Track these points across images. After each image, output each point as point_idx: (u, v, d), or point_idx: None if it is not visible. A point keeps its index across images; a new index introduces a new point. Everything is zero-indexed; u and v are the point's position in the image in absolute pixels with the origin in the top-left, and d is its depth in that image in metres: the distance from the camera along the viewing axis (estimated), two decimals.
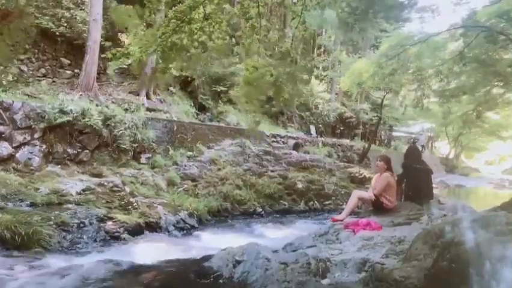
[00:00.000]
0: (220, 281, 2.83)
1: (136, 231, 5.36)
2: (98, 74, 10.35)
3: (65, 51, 10.52)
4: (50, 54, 10.22)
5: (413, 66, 11.24)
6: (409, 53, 10.29)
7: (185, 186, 7.93)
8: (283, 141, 12.60)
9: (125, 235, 5.18)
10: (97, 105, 8.25)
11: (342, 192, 9.83)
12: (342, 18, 6.16)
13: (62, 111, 7.09)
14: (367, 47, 19.90)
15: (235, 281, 2.80)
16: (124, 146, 7.87)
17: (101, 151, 7.71)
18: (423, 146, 27.61)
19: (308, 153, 12.08)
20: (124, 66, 11.13)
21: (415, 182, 5.38)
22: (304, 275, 2.83)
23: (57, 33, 9.93)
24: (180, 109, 12.43)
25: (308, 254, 3.16)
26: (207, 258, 3.22)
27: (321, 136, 17.41)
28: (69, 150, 7.21)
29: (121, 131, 7.85)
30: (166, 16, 4.58)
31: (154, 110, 10.99)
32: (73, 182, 6.09)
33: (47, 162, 6.87)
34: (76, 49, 10.38)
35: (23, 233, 4.15)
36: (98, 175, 6.93)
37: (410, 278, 2.30)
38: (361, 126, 21.19)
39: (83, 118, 7.30)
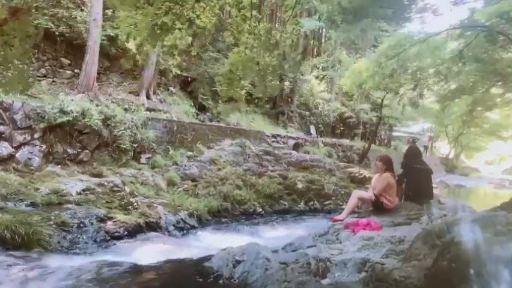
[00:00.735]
0: (220, 281, 2.83)
1: (136, 231, 5.36)
2: (98, 74, 10.36)
3: (65, 51, 10.52)
4: (50, 54, 10.22)
5: (412, 66, 11.25)
6: (409, 53, 10.29)
7: (185, 186, 7.93)
8: (283, 141, 12.61)
9: (125, 235, 5.18)
10: (97, 105, 8.26)
11: (342, 192, 9.83)
12: (331, 16, 6.18)
13: (62, 111, 7.09)
14: (367, 47, 19.91)
15: (235, 281, 2.80)
16: (124, 146, 7.87)
17: (101, 151, 7.71)
18: (425, 147, 27.63)
19: (308, 153, 12.09)
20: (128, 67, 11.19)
21: (415, 182, 5.38)
22: (304, 275, 2.83)
23: (57, 33, 9.93)
24: (180, 109, 12.44)
25: (308, 254, 3.16)
26: (207, 258, 3.22)
27: (321, 136, 17.43)
28: (69, 150, 7.21)
29: (121, 131, 7.85)
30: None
31: (154, 110, 11.00)
32: (73, 182, 6.10)
33: (47, 162, 6.87)
34: (76, 49, 10.38)
35: (23, 233, 4.14)
36: (98, 175, 6.93)
37: (410, 278, 2.30)
38: (361, 126, 21.20)
39: (83, 118, 7.30)
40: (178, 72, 12.93)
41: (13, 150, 6.57)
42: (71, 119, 7.11)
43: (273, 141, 12.23)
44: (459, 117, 20.65)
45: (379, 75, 11.12)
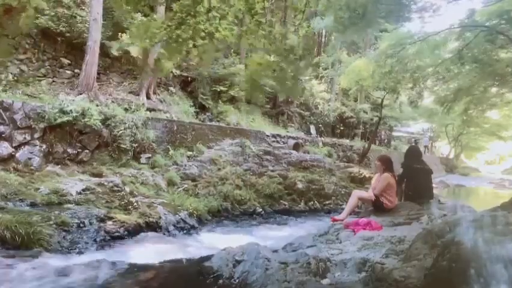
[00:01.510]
0: (220, 280, 2.83)
1: (136, 231, 5.36)
2: (98, 73, 10.35)
3: (65, 51, 10.52)
4: (50, 54, 10.22)
5: (411, 65, 11.25)
6: (408, 52, 10.29)
7: (185, 186, 7.93)
8: (283, 141, 12.60)
9: (125, 235, 5.18)
10: (97, 105, 8.26)
11: (342, 192, 9.83)
12: (338, 19, 6.15)
13: (62, 111, 7.09)
14: (367, 46, 19.91)
15: (235, 281, 2.80)
16: (124, 146, 7.87)
17: (101, 151, 7.71)
18: (426, 147, 27.65)
19: (308, 153, 12.08)
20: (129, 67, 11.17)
21: (415, 182, 5.38)
22: (304, 274, 2.83)
23: (57, 33, 9.93)
24: (180, 109, 12.43)
25: (308, 254, 3.16)
26: (207, 258, 3.22)
27: (321, 136, 17.43)
28: (69, 150, 7.21)
29: (121, 131, 7.85)
30: (169, 9, 4.58)
31: (154, 110, 11.00)
32: (73, 182, 6.10)
33: (47, 162, 6.87)
34: (76, 49, 10.38)
35: (23, 232, 4.14)
36: (98, 175, 6.93)
37: (410, 278, 2.30)
38: (361, 126, 21.20)
39: (83, 118, 7.30)
40: (178, 72, 12.94)
41: (13, 150, 6.57)
42: (71, 118, 7.11)
43: (273, 141, 12.23)
44: (459, 116, 20.65)
45: (378, 73, 11.12)
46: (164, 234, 5.69)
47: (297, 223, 7.75)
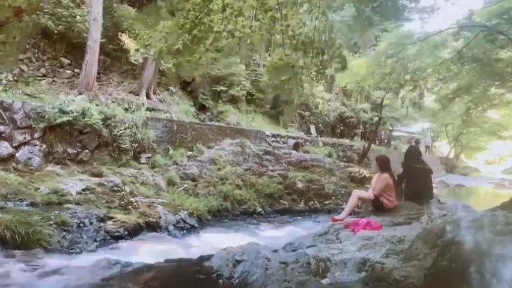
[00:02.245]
0: (220, 280, 2.83)
1: (136, 231, 5.36)
2: (98, 73, 10.36)
3: (65, 51, 10.52)
4: (50, 54, 10.22)
5: (411, 65, 11.25)
6: (408, 52, 10.30)
7: (185, 186, 7.93)
8: (283, 141, 12.61)
9: (125, 235, 5.18)
10: (97, 105, 8.26)
11: (342, 191, 9.83)
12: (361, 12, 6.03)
13: (62, 111, 7.09)
14: (367, 46, 19.90)
15: (235, 281, 2.80)
16: (124, 146, 7.87)
17: (101, 151, 7.71)
18: (427, 147, 27.64)
19: (308, 153, 12.09)
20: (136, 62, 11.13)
21: (415, 181, 5.38)
22: (304, 274, 2.82)
23: (56, 32, 9.93)
24: (180, 109, 12.43)
25: (308, 253, 3.16)
26: (207, 258, 3.22)
27: (321, 136, 17.43)
28: (69, 150, 7.22)
29: (121, 131, 7.85)
30: (179, 9, 4.51)
31: (154, 110, 11.00)
32: (73, 182, 6.09)
33: (47, 162, 6.88)
34: (76, 49, 10.38)
35: (23, 232, 4.14)
36: (98, 175, 6.93)
37: (410, 278, 2.30)
38: (361, 126, 21.20)
39: (83, 118, 7.30)
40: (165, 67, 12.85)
41: (13, 150, 6.58)
42: (71, 118, 7.11)
43: (273, 141, 12.23)
44: (459, 117, 20.66)
45: (378, 73, 11.12)
46: (164, 234, 5.69)
47: (297, 223, 7.75)
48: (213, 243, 5.34)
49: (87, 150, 7.49)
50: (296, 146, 12.32)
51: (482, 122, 24.27)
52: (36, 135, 6.88)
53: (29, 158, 6.67)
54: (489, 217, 2.49)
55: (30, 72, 9.60)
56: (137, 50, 4.82)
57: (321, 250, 3.46)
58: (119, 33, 11.18)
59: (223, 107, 14.26)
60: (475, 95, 13.80)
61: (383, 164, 5.11)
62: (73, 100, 7.85)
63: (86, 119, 7.30)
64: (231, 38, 4.73)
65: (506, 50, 10.15)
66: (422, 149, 23.88)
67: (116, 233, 5.10)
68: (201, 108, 13.84)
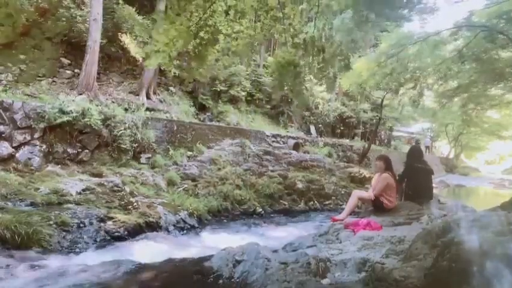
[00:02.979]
0: (220, 280, 2.83)
1: (136, 231, 5.35)
2: (98, 73, 10.36)
3: (65, 50, 10.52)
4: (50, 54, 10.22)
5: (412, 65, 11.25)
6: (409, 52, 10.29)
7: (186, 186, 7.93)
8: (283, 141, 12.61)
9: (125, 235, 5.18)
10: (97, 105, 8.26)
11: (342, 192, 9.83)
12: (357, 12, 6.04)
13: (62, 111, 7.09)
14: (367, 46, 19.90)
15: (235, 281, 2.80)
16: (124, 146, 7.87)
17: (101, 151, 7.71)
18: (427, 147, 27.64)
19: (308, 153, 12.09)
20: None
21: (415, 181, 5.38)
22: (304, 274, 2.82)
23: (57, 33, 9.94)
24: (180, 109, 12.44)
25: (308, 253, 3.16)
26: (207, 258, 3.22)
27: (321, 136, 17.42)
28: (69, 150, 7.22)
29: (121, 131, 7.85)
30: (184, 10, 4.48)
31: (154, 110, 11.00)
32: (73, 182, 6.09)
33: (47, 162, 6.88)
34: (76, 49, 10.38)
35: (23, 232, 4.14)
36: (98, 175, 6.93)
37: (410, 278, 2.30)
38: (361, 126, 21.20)
39: (83, 118, 7.30)
40: (178, 72, 12.93)
41: (13, 150, 6.58)
42: (71, 118, 7.11)
43: (273, 141, 12.23)
44: (459, 116, 20.65)
45: (379, 74, 11.12)
46: (164, 234, 5.69)
47: (297, 223, 7.75)
48: (213, 243, 5.33)
49: (87, 150, 7.49)
50: (296, 146, 12.33)
51: (482, 122, 24.26)
52: (36, 135, 6.88)
53: (29, 158, 6.67)
54: (489, 217, 2.49)
55: (30, 72, 9.60)
56: (148, 56, 4.75)
57: (321, 250, 3.46)
58: (120, 33, 11.20)
59: (223, 107, 14.26)
60: (475, 94, 13.79)
61: (387, 163, 5.11)
62: (73, 100, 7.85)
63: (86, 119, 7.30)
64: (237, 41, 4.72)
65: (507, 50, 10.14)
66: (422, 149, 23.84)
67: (116, 233, 5.10)
68: (201, 108, 13.84)
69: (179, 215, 6.27)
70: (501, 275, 1.79)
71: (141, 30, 10.35)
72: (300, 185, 9.29)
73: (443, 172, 25.68)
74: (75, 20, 10.14)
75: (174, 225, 6.01)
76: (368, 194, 5.08)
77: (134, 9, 11.54)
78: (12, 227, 4.14)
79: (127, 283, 3.01)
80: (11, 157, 6.50)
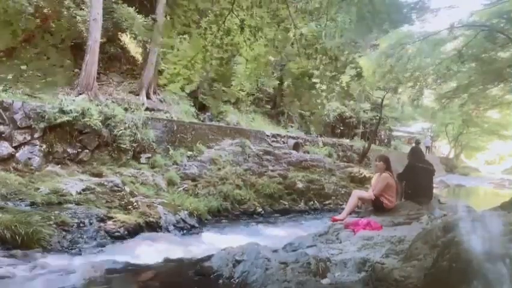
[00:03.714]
0: (220, 280, 2.83)
1: (136, 231, 5.36)
2: (98, 73, 10.35)
3: (65, 50, 10.51)
4: (50, 54, 10.20)
5: (411, 65, 11.25)
6: (409, 52, 10.30)
7: (185, 186, 7.93)
8: (283, 141, 12.61)
9: (125, 235, 5.18)
10: (97, 105, 8.25)
11: (342, 192, 9.83)
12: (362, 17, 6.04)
13: (62, 111, 7.09)
14: (367, 46, 19.90)
15: (235, 281, 2.80)
16: (124, 146, 7.87)
17: (101, 151, 7.71)
18: (428, 147, 27.64)
19: (308, 153, 12.08)
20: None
21: (415, 181, 5.38)
22: (304, 274, 2.82)
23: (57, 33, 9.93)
24: (180, 109, 12.43)
25: (308, 253, 3.15)
26: (207, 258, 3.22)
27: (321, 136, 17.42)
28: (69, 150, 7.21)
29: (121, 131, 7.85)
30: (199, 27, 4.40)
31: (154, 110, 11.00)
32: (73, 182, 6.09)
33: (47, 162, 6.87)
34: (76, 49, 10.38)
35: (23, 232, 4.14)
36: (98, 175, 6.93)
37: (410, 278, 2.30)
38: (361, 126, 21.20)
39: (83, 118, 7.29)
40: (206, 100, 12.92)
41: (13, 150, 6.58)
42: (71, 118, 7.11)
43: (273, 141, 12.23)
44: (459, 116, 20.65)
45: (379, 73, 11.13)
46: (164, 234, 5.69)
47: (297, 223, 7.76)
48: (213, 243, 5.34)
49: (87, 150, 7.49)
50: (296, 146, 12.32)
51: (482, 122, 24.27)
52: (36, 135, 6.88)
53: (29, 158, 6.67)
54: (489, 217, 2.49)
55: (30, 72, 9.59)
56: (170, 80, 4.65)
57: (321, 250, 3.46)
58: (119, 33, 11.19)
59: (223, 107, 14.25)
60: (475, 94, 13.80)
61: (387, 163, 5.12)
62: (73, 100, 7.85)
63: (86, 119, 7.30)
64: (255, 63, 4.68)
65: (506, 50, 10.15)
66: (422, 149, 23.83)
67: (116, 233, 5.10)
68: (201, 108, 13.83)
69: (179, 215, 6.27)
70: (501, 275, 1.79)
71: (141, 31, 10.36)
72: (300, 185, 9.29)
73: (443, 172, 25.67)
74: (75, 20, 10.14)
75: (174, 225, 6.01)
76: (368, 194, 5.08)
77: (134, 9, 11.53)
78: (12, 227, 4.14)
79: (126, 283, 3.01)
80: (11, 157, 6.50)
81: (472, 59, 10.32)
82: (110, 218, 5.32)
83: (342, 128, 21.00)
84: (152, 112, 10.70)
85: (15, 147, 6.63)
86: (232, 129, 11.23)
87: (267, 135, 12.19)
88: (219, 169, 8.84)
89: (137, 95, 11.04)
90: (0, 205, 4.88)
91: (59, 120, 6.99)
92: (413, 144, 15.67)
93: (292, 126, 17.56)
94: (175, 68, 4.55)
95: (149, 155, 8.46)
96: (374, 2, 5.25)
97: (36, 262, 3.79)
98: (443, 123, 26.81)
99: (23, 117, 6.78)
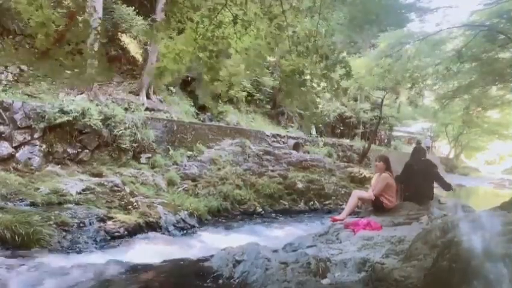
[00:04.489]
0: (220, 280, 2.83)
1: (136, 231, 5.36)
2: None
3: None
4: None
5: (411, 65, 11.25)
6: (408, 52, 10.30)
7: (185, 186, 7.93)
8: (283, 141, 12.61)
9: (125, 235, 5.18)
10: (97, 105, 8.25)
11: (342, 192, 9.83)
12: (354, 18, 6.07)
13: (62, 111, 7.09)
14: (367, 46, 19.90)
15: (235, 281, 2.80)
16: (124, 146, 7.87)
17: (101, 151, 7.71)
18: (428, 148, 27.64)
19: (308, 153, 12.08)
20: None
21: (414, 182, 5.37)
22: (304, 274, 2.83)
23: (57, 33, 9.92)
24: (180, 109, 12.43)
25: (308, 253, 3.16)
26: (207, 258, 3.22)
27: (321, 136, 17.42)
28: (69, 150, 7.21)
29: (121, 131, 7.85)
30: (191, 21, 4.44)
31: (154, 110, 11.00)
32: (73, 182, 6.09)
33: (47, 162, 6.87)
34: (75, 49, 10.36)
35: (23, 232, 4.15)
36: (98, 175, 6.93)
37: (410, 278, 2.30)
38: (361, 126, 21.19)
39: (83, 118, 7.29)
40: (196, 89, 12.92)
41: (13, 150, 6.58)
42: (71, 118, 7.11)
43: (273, 141, 12.23)
44: (459, 116, 20.65)
45: (378, 73, 11.13)
46: (164, 234, 5.69)
47: (297, 223, 7.76)
48: (213, 243, 5.34)
49: (87, 150, 7.49)
50: (296, 146, 12.32)
51: (482, 122, 24.27)
52: (36, 135, 6.88)
53: (29, 158, 6.67)
54: (489, 217, 2.49)
55: (31, 72, 9.59)
56: (158, 71, 4.71)
57: (321, 250, 3.46)
58: (119, 33, 11.19)
59: (223, 107, 14.25)
60: (476, 95, 13.80)
61: (387, 163, 5.12)
62: (73, 100, 7.85)
63: (86, 119, 7.30)
64: (247, 54, 4.71)
65: (506, 50, 10.15)
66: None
67: (116, 233, 5.10)
68: (201, 108, 13.83)
69: (179, 215, 6.27)
70: (501, 275, 1.79)
71: (141, 31, 10.36)
72: (300, 185, 9.29)
73: (443, 172, 25.67)
74: (76, 21, 10.13)
75: (174, 225, 6.01)
76: (368, 194, 5.08)
77: (133, 10, 11.54)
78: (12, 227, 4.14)
79: (126, 283, 3.01)
80: (11, 157, 6.50)
81: (472, 59, 10.31)
82: (110, 218, 5.32)
83: (342, 128, 21.00)
84: (152, 112, 10.70)
85: (15, 147, 6.63)
86: (232, 129, 11.23)
87: (267, 135, 12.19)
88: (219, 169, 8.84)
89: (137, 95, 11.04)
90: (0, 205, 4.88)
91: (59, 120, 6.99)
92: (414, 145, 15.66)
93: (292, 126, 17.55)
94: (163, 61, 4.60)
95: (149, 155, 8.46)
96: (365, 2, 5.29)
97: (36, 262, 3.79)
98: (443, 123, 26.81)
99: (23, 117, 6.78)
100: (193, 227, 6.32)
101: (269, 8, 4.65)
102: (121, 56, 11.69)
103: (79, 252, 4.52)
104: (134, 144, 8.12)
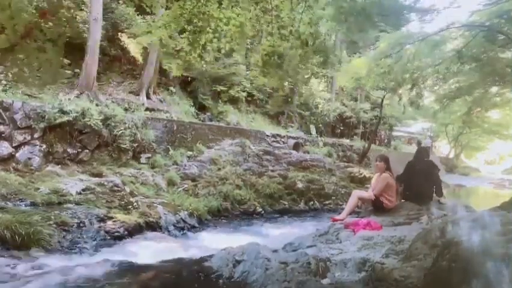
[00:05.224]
0: (220, 280, 2.83)
1: (136, 231, 5.36)
2: (98, 73, 10.35)
3: (65, 51, 10.51)
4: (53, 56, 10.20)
5: (411, 65, 11.24)
6: (408, 52, 10.29)
7: (185, 186, 7.93)
8: (283, 141, 12.61)
9: (125, 235, 5.18)
10: (97, 105, 8.26)
11: (342, 192, 9.83)
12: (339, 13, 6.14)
13: (62, 111, 7.09)
14: (367, 46, 19.89)
15: (235, 281, 2.80)
16: (124, 146, 7.87)
17: (101, 151, 7.71)
18: (428, 148, 27.65)
19: (308, 153, 12.08)
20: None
21: (413, 182, 5.37)
22: (304, 274, 2.83)
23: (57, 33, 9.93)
24: (180, 109, 12.43)
25: (308, 253, 3.16)
26: (207, 258, 3.22)
27: (321, 136, 17.41)
28: (69, 150, 7.22)
29: (121, 131, 7.85)
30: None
31: (154, 110, 11.00)
32: (73, 182, 6.10)
33: (47, 162, 6.88)
34: (76, 49, 10.37)
35: (23, 232, 4.14)
36: (98, 175, 6.93)
37: (410, 278, 2.30)
38: (361, 126, 21.18)
39: (83, 118, 7.30)
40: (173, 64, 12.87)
41: (13, 150, 6.58)
42: (71, 118, 7.12)
43: (273, 141, 12.23)
44: (459, 117, 20.64)
45: (378, 73, 11.11)
46: (164, 234, 5.69)
47: (297, 223, 7.75)
48: (213, 243, 5.33)
49: (87, 150, 7.49)
50: (296, 146, 12.32)
51: (482, 122, 24.25)
52: (36, 135, 6.88)
53: (29, 158, 6.67)
54: (489, 217, 2.49)
55: (31, 72, 9.59)
56: (142, 33, 5.00)
57: (321, 250, 3.46)
58: (119, 33, 11.19)
59: (223, 107, 14.26)
60: (475, 94, 13.79)
61: (387, 163, 5.12)
62: (73, 100, 7.85)
63: (86, 119, 7.30)
64: (228, 25, 4.82)
65: (506, 51, 10.14)
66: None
67: (116, 233, 5.10)
68: (201, 108, 13.84)
69: (179, 215, 6.27)
70: (501, 275, 1.79)
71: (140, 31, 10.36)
72: (300, 185, 9.28)
73: (443, 172, 25.67)
74: (75, 20, 10.14)
75: (174, 225, 6.01)
76: (368, 194, 5.09)
77: (134, 9, 11.55)
78: (12, 227, 4.14)
79: (126, 283, 3.01)
80: (11, 157, 6.50)
81: (472, 59, 10.29)
82: (110, 218, 5.32)
83: (342, 128, 20.98)
84: (152, 112, 10.70)
85: (15, 147, 6.63)
86: (232, 129, 11.23)
87: (267, 135, 12.19)
88: (219, 169, 8.84)
89: (137, 95, 11.04)
90: (0, 205, 4.88)
91: (59, 120, 6.99)
92: (414, 145, 15.59)
93: (292, 126, 17.55)
94: (148, 27, 4.78)
95: (149, 155, 8.46)
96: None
97: (36, 262, 3.79)
98: (443, 124, 26.80)
99: (23, 117, 6.78)
100: (193, 227, 6.32)
101: None
102: (121, 56, 11.68)
103: (79, 252, 4.52)
104: (134, 144, 8.12)
